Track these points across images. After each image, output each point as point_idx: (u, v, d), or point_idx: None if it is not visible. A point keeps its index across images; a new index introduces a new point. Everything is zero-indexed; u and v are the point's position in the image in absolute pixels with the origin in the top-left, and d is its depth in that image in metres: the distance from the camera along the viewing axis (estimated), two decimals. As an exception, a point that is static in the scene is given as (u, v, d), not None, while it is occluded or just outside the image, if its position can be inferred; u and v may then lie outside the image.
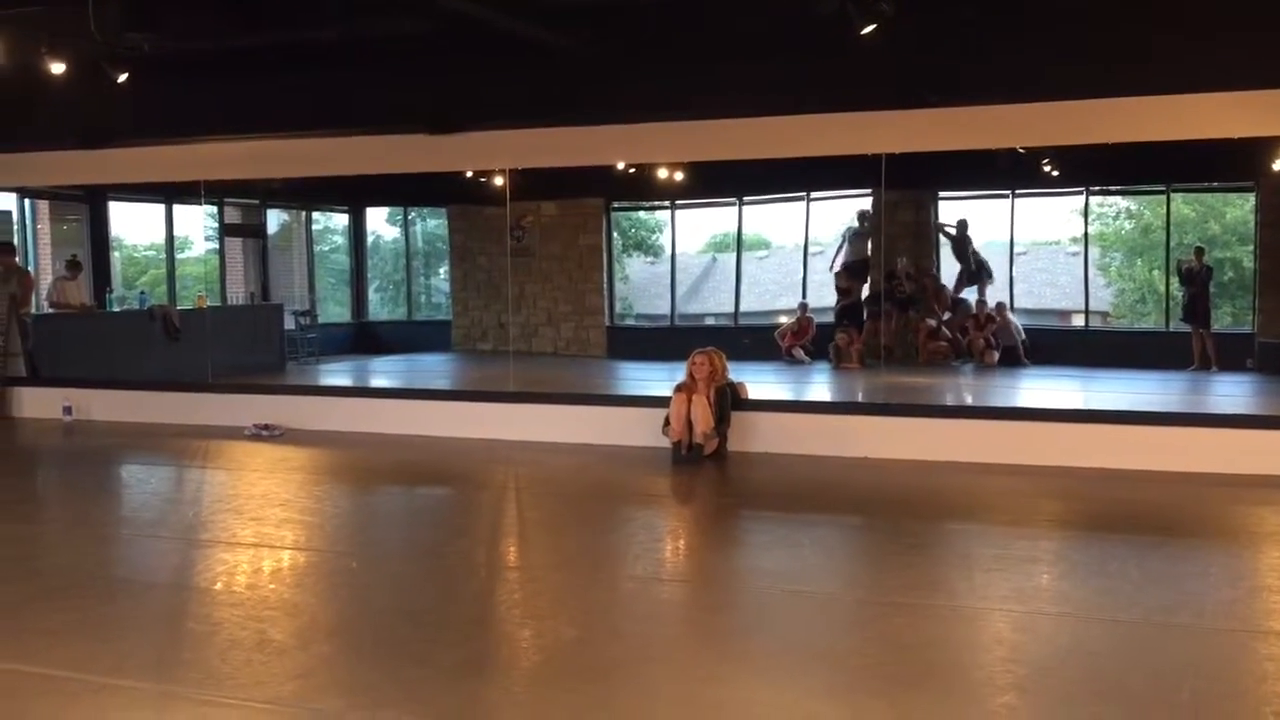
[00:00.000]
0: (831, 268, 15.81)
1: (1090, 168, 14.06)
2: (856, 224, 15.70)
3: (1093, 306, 16.41)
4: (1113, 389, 13.06)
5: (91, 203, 15.08)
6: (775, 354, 15.19)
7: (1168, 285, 15.87)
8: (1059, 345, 15.15)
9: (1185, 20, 7.81)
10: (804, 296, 16.02)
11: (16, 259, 12.52)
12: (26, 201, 14.48)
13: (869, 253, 15.36)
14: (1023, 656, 4.55)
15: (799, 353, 15.35)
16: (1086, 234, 16.96)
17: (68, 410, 11.06)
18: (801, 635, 4.87)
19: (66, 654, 4.56)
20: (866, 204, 15.49)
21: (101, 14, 7.68)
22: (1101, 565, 5.97)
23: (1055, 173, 14.37)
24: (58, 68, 8.65)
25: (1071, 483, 7.92)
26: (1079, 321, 17.16)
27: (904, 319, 14.92)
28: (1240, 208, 18.58)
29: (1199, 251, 14.73)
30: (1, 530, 7.10)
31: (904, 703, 4.02)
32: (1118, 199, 21.25)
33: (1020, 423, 9.03)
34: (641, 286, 21.24)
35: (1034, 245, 20.64)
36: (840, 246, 15.91)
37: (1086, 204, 17.01)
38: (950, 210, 15.78)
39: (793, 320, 15.84)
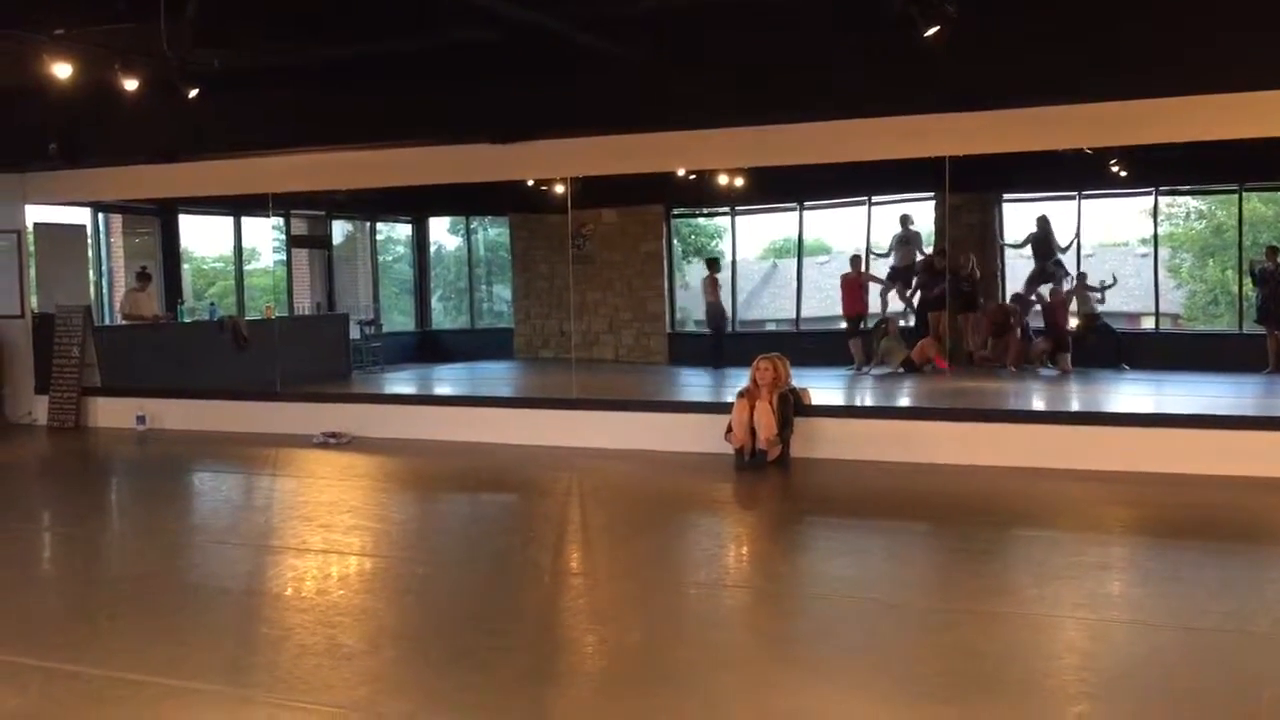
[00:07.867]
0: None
1: (1159, 167, 13.82)
2: (900, 229, 15.48)
3: (1163, 309, 16.10)
4: (1185, 392, 12.81)
5: (162, 216, 15.40)
6: (838, 360, 14.78)
7: (1240, 286, 15.53)
8: (1128, 348, 14.86)
9: (1255, 16, 7.64)
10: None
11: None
12: (100, 215, 14.83)
13: (916, 259, 15.21)
14: (1095, 665, 4.48)
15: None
16: (1156, 235, 16.66)
17: (140, 420, 11.31)
18: (870, 642, 4.84)
19: (144, 659, 4.65)
20: (907, 208, 15.30)
21: (173, 32, 7.84)
22: (1175, 572, 5.87)
23: (1123, 173, 14.14)
24: (130, 84, 8.82)
25: (1143, 488, 7.78)
26: (1149, 324, 16.86)
27: (968, 317, 14.70)
28: (1321, 207, 18.16)
29: (1272, 251, 14.37)
30: (79, 537, 7.29)
31: (975, 711, 3.98)
32: (1188, 199, 20.86)
33: (1090, 427, 8.89)
34: (702, 293, 21.16)
35: (1101, 247, 20.30)
36: (889, 253, 15.64)
37: (1156, 204, 16.72)
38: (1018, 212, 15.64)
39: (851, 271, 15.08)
